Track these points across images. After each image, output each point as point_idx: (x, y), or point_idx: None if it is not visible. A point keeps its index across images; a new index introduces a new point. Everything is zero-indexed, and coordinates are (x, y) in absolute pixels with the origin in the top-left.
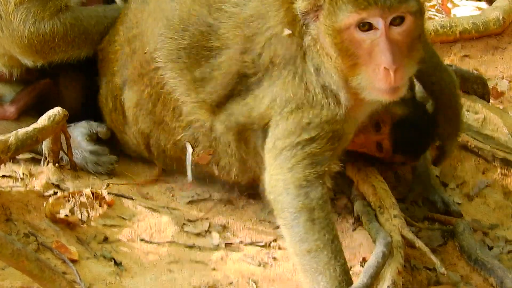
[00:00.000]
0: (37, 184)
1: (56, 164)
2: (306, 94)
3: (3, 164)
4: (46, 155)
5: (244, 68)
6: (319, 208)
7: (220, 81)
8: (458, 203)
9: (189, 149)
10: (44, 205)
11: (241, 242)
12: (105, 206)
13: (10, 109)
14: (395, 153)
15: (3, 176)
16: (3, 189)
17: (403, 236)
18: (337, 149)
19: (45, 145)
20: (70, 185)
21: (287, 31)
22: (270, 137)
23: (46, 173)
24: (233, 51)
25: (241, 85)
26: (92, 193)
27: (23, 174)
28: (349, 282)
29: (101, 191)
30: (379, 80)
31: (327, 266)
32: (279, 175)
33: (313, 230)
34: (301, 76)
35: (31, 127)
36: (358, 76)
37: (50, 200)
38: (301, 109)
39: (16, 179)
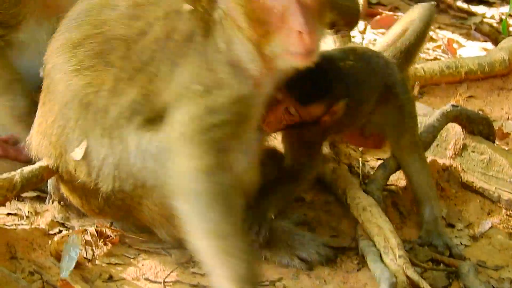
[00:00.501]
0: (42, 222)
1: (61, 202)
2: (211, 74)
3: (8, 202)
4: (51, 193)
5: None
6: (232, 193)
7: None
8: (465, 245)
9: None
10: (49, 243)
11: None
12: (110, 245)
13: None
14: (290, 97)
15: (8, 214)
16: (8, 227)
17: (408, 277)
18: (246, 132)
19: (50, 183)
20: (75, 223)
21: (187, 6)
22: (177, 122)
23: (51, 211)
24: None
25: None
26: (97, 232)
27: (28, 212)
28: (254, 263)
29: (105, 229)
30: (293, 44)
31: (239, 251)
32: (190, 162)
33: (226, 215)
34: (205, 54)
35: (36, 165)
36: (272, 44)
37: (55, 238)
38: (207, 90)
39: (21, 217)
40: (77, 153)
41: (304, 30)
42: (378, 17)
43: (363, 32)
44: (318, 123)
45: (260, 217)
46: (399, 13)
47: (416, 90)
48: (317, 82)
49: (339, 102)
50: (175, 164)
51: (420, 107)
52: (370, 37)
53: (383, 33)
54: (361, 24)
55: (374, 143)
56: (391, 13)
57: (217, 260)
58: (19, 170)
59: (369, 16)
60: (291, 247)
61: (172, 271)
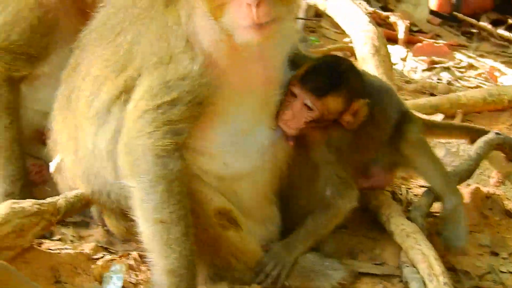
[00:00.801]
0: (86, 246)
1: (105, 227)
2: (166, 46)
3: (52, 227)
4: (95, 218)
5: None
6: (178, 180)
7: None
8: (510, 272)
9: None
10: (93, 267)
11: None
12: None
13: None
14: (305, 89)
15: (52, 239)
16: (52, 251)
17: None
18: (199, 118)
19: (94, 208)
20: (119, 248)
21: None
22: (135, 97)
23: (95, 235)
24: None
25: None
26: (140, 256)
27: (72, 236)
28: (194, 262)
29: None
30: (242, 17)
31: (178, 242)
32: (139, 139)
33: (169, 201)
34: (164, 27)
35: (81, 190)
36: (225, 16)
37: (99, 263)
38: (161, 62)
39: (65, 242)
40: (51, 166)
41: (252, 2)
42: (419, 44)
43: (404, 59)
44: (340, 124)
45: (284, 257)
46: (440, 41)
47: (458, 118)
48: (332, 74)
49: (359, 99)
50: (124, 139)
51: None
52: (412, 64)
53: (424, 60)
54: (402, 51)
55: (376, 184)
56: (432, 40)
57: (154, 247)
58: (63, 195)
59: (410, 43)
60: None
61: None
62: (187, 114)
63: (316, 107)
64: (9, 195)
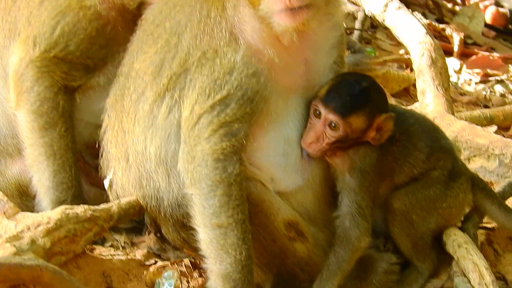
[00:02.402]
0: (138, 253)
1: (158, 234)
2: (210, 40)
3: (105, 233)
4: (148, 225)
5: None
6: (236, 184)
7: None
8: None
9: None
10: (145, 274)
11: None
12: (205, 276)
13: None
14: (330, 109)
15: (105, 245)
16: (104, 257)
17: None
18: (253, 116)
19: (147, 215)
20: (171, 254)
21: None
22: (188, 102)
23: (147, 242)
24: None
25: None
26: (192, 263)
27: (124, 243)
28: (251, 268)
29: (200, 261)
30: (277, 2)
31: (234, 247)
32: (198, 146)
33: (228, 205)
34: (205, 18)
35: (134, 197)
36: (262, 4)
37: (151, 269)
38: (208, 59)
39: (117, 248)
40: (106, 183)
41: None
42: (473, 57)
43: (458, 72)
44: (364, 145)
45: None
46: (495, 54)
47: None
48: (355, 92)
49: (381, 114)
50: (185, 149)
51: None
52: (466, 77)
53: (478, 73)
54: (457, 64)
55: None
56: (486, 53)
57: (210, 252)
58: (116, 201)
59: (465, 56)
60: None
61: None
62: (240, 113)
63: (340, 126)
64: (61, 203)
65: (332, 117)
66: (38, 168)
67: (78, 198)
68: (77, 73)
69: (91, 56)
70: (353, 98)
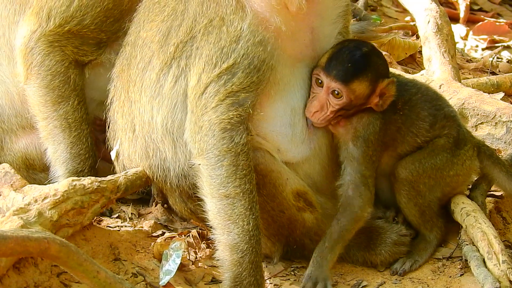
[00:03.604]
0: (146, 224)
1: (165, 205)
2: (217, 7)
3: (112, 204)
4: (155, 196)
5: None
6: (243, 154)
7: None
8: None
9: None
10: (152, 245)
11: None
12: (213, 247)
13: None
14: (332, 77)
15: (112, 216)
16: (111, 229)
17: (511, 282)
18: (259, 86)
19: (154, 186)
20: (178, 225)
21: None
22: (195, 71)
23: (154, 213)
24: None
25: None
26: (199, 234)
27: (131, 214)
28: (258, 238)
29: (207, 231)
30: None
31: (241, 217)
32: (205, 116)
33: (235, 175)
34: None
35: (140, 167)
36: None
37: (159, 240)
38: (214, 27)
39: (124, 219)
40: (112, 154)
41: None
42: (480, 23)
43: (465, 38)
44: (366, 113)
45: (320, 275)
46: (501, 20)
47: None
48: (356, 58)
49: (383, 79)
50: (192, 119)
51: None
52: (472, 43)
53: (484, 39)
54: (463, 30)
55: None
56: (493, 19)
57: (218, 223)
58: (123, 172)
59: (471, 22)
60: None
61: (270, 277)
62: (247, 82)
63: (343, 93)
64: (78, 173)
65: (334, 85)
66: (54, 140)
67: (94, 169)
68: (89, 48)
69: (104, 29)
70: (354, 64)
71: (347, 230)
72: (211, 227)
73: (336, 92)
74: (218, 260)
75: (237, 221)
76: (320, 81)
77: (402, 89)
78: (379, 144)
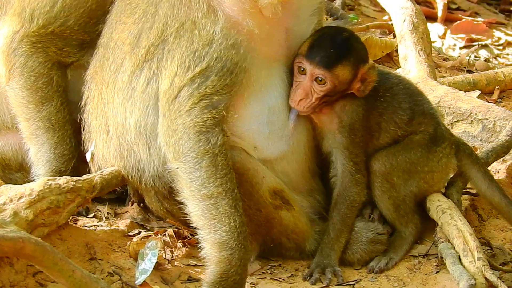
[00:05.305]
0: (122, 223)
1: (141, 204)
2: (188, 11)
3: (88, 204)
4: (131, 195)
5: None
6: (221, 154)
7: None
8: None
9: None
10: (129, 244)
11: None
12: (189, 246)
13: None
14: (315, 63)
15: (88, 216)
16: (87, 228)
17: (486, 279)
18: (233, 88)
19: (130, 185)
20: (154, 224)
21: None
22: (167, 74)
23: (130, 212)
24: None
25: None
26: (175, 233)
27: (107, 213)
28: (246, 235)
29: (184, 230)
30: None
31: (227, 215)
32: (178, 119)
33: (215, 175)
34: None
35: (116, 167)
36: None
37: (135, 239)
38: (186, 31)
39: (100, 219)
40: (88, 155)
41: None
42: (458, 22)
43: (442, 37)
44: (349, 99)
45: (328, 263)
46: (479, 18)
47: (495, 95)
48: (337, 44)
49: (364, 64)
50: (165, 123)
51: (500, 111)
52: (450, 42)
53: (462, 38)
54: (441, 29)
55: None
56: (470, 18)
57: (203, 223)
58: (99, 172)
59: (449, 21)
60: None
61: (250, 274)
62: (220, 85)
63: (327, 79)
64: (62, 173)
65: (318, 71)
66: (37, 141)
67: (77, 169)
68: (72, 49)
69: (87, 30)
70: (336, 49)
71: (349, 217)
72: (195, 228)
73: (319, 78)
74: (204, 257)
75: (223, 219)
76: (302, 69)
77: (383, 78)
78: (365, 130)
